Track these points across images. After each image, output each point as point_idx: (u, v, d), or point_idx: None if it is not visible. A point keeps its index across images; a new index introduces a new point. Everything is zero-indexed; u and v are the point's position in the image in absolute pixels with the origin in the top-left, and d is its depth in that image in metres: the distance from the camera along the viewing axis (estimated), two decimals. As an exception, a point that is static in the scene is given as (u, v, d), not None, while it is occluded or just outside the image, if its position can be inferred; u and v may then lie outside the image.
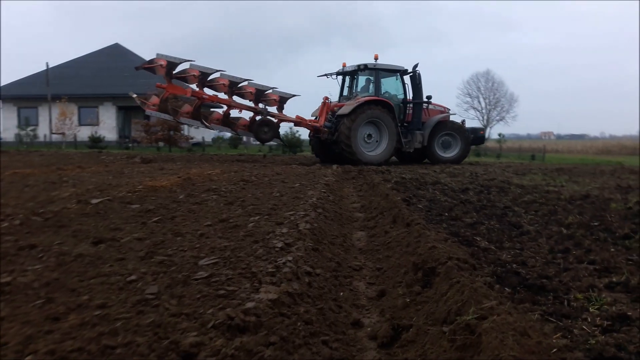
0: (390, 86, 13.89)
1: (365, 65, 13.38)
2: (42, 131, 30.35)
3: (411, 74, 13.54)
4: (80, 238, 3.12)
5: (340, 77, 14.24)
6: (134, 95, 14.70)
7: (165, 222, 3.75)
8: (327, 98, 13.54)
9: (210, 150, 25.67)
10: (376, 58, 13.42)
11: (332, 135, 12.97)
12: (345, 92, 14.09)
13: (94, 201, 4.52)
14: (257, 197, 5.23)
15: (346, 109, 12.65)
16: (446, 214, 4.41)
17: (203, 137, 33.83)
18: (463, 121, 14.99)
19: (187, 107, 13.85)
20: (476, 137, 15.12)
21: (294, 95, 13.69)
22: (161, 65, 13.19)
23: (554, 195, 5.95)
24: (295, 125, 14.44)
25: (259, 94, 13.07)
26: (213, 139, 42.71)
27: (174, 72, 13.29)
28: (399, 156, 14.52)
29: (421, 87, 13.45)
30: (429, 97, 13.61)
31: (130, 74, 33.31)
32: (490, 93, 53.39)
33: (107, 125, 32.76)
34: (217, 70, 12.88)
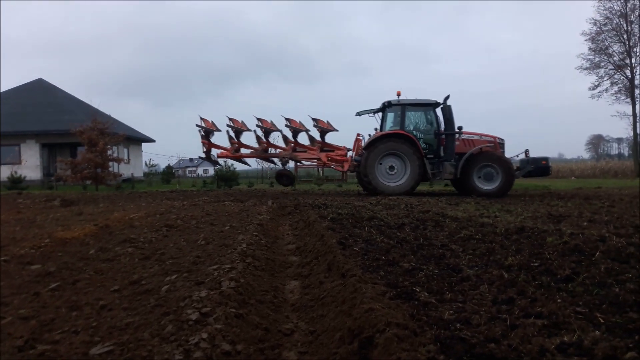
0: (419, 119, 14.43)
1: (390, 102, 14.46)
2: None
3: (442, 106, 13.83)
4: (-55, 323, 2.55)
5: (379, 114, 15.24)
6: None
7: (64, 290, 3.21)
8: (359, 134, 14.99)
9: (140, 186, 24.51)
10: (399, 94, 14.43)
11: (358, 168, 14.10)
12: (382, 128, 14.98)
13: (-15, 264, 3.89)
14: (179, 248, 4.74)
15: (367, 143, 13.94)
16: (383, 258, 4.15)
17: (132, 174, 32.40)
18: (526, 151, 14.89)
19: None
20: (537, 167, 14.10)
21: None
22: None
23: (489, 229, 5.88)
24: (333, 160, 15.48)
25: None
26: (145, 174, 41.14)
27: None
28: (457, 187, 14.90)
29: (452, 118, 13.71)
30: (459, 128, 13.75)
31: (54, 110, 31.63)
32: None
33: (30, 163, 30.67)
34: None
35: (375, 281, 3.32)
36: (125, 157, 32.25)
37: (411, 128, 14.30)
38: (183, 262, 4.00)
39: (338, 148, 15.47)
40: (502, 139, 14.47)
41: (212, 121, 15.81)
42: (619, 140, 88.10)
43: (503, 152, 14.42)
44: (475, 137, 14.22)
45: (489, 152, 13.86)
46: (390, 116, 14.65)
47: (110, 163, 23.31)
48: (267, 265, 4.49)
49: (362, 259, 4.12)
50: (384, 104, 14.82)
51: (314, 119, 14.91)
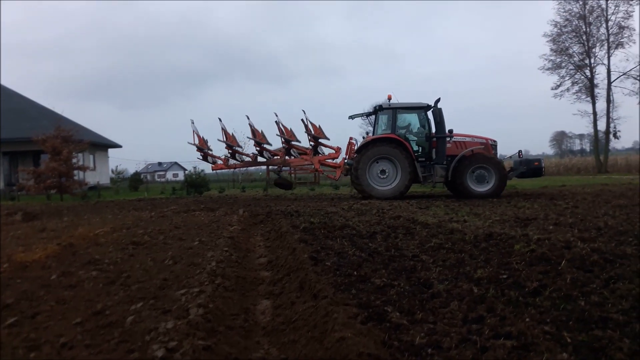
0: (410, 122, 14.51)
1: (380, 106, 14.48)
2: None
3: (432, 109, 13.84)
4: None
5: (372, 117, 15.36)
6: None
7: (23, 325, 3.06)
8: (352, 138, 15.11)
9: (107, 194, 23.92)
10: (389, 98, 14.43)
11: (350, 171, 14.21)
12: (374, 132, 15.04)
13: None
14: (145, 269, 4.61)
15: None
16: (355, 274, 4.13)
17: (98, 181, 31.62)
18: (519, 152, 14.96)
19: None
20: (530, 168, 14.16)
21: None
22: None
23: (458, 235, 5.95)
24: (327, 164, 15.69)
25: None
26: (112, 179, 40.18)
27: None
28: (451, 189, 14.92)
29: (442, 121, 13.68)
30: (450, 131, 13.79)
31: (16, 117, 30.54)
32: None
33: (-10, 173, 29.45)
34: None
35: (347, 302, 3.29)
36: (91, 165, 31.42)
37: (402, 131, 14.38)
38: (149, 287, 3.88)
39: (331, 148, 15.53)
40: (494, 140, 14.61)
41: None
42: (581, 137, 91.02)
43: (496, 153, 14.57)
44: (467, 139, 14.36)
45: (481, 153, 13.94)
46: (382, 119, 14.69)
47: (75, 171, 22.65)
48: (237, 285, 4.41)
49: (334, 275, 4.09)
50: (375, 107, 14.89)
51: (305, 124, 14.84)
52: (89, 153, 31.15)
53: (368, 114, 15.43)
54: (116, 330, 2.87)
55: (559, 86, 33.67)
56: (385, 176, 13.86)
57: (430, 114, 14.22)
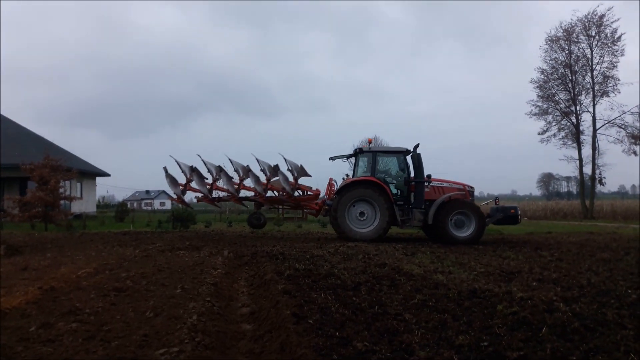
0: (389, 166, 14.73)
1: (361, 149, 14.81)
2: None
3: (411, 154, 14.06)
4: None
5: (353, 159, 15.41)
6: None
7: (-4, 388, 3.02)
8: (332, 179, 15.31)
9: (92, 225, 23.65)
10: (370, 142, 15.05)
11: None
12: (354, 174, 15.20)
13: None
14: (126, 322, 4.56)
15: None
16: (337, 334, 4.13)
17: (84, 211, 31.33)
18: (496, 199, 15.30)
19: None
20: (506, 216, 14.29)
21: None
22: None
23: (442, 291, 5.98)
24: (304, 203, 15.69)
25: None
26: (98, 205, 39.71)
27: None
28: (427, 233, 14.96)
29: (421, 166, 13.88)
30: (428, 176, 13.95)
31: (5, 143, 30.42)
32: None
33: (-24, 198, 29.06)
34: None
35: (327, 370, 3.29)
36: (78, 193, 31.18)
37: (382, 175, 14.58)
38: (129, 345, 3.84)
39: (310, 190, 15.59)
40: (471, 187, 14.82)
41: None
42: (568, 179, 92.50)
43: (473, 199, 14.77)
44: (445, 184, 14.53)
45: (460, 199, 14.14)
46: (362, 162, 14.90)
47: (62, 201, 22.43)
48: (217, 341, 4.37)
49: (316, 336, 4.08)
50: (355, 150, 15.15)
51: (288, 162, 14.92)
52: (76, 181, 30.96)
53: (348, 156, 15.53)
54: (92, 398, 2.83)
55: (545, 131, 34.41)
56: (364, 218, 13.95)
57: (409, 158, 14.47)
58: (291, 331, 4.17)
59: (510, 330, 4.23)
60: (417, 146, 14.24)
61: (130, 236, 16.04)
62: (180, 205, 16.46)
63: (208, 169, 15.24)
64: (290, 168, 14.90)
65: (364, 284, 6.54)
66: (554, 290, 6.07)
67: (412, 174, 14.25)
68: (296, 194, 15.44)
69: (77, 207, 29.42)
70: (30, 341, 3.96)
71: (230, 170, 15.30)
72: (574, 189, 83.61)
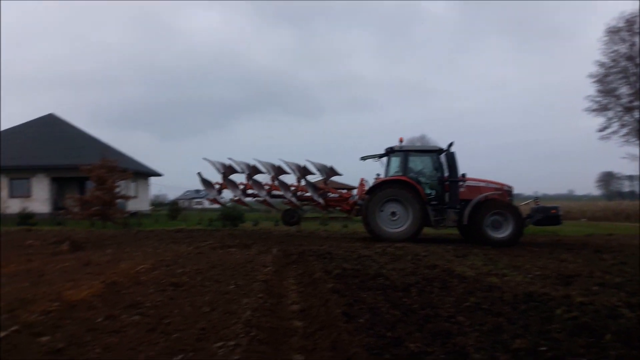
0: (422, 165, 14.57)
1: (392, 149, 14.58)
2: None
3: (445, 153, 13.92)
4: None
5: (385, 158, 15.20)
6: None
7: (70, 374, 3.22)
8: (363, 179, 15.17)
9: (147, 222, 24.60)
10: (401, 141, 14.60)
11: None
12: (386, 173, 14.99)
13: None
14: (185, 316, 4.74)
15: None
16: (389, 335, 4.13)
17: (139, 209, 32.62)
18: (536, 199, 14.93)
19: None
20: (547, 216, 13.87)
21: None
22: None
23: (497, 294, 5.84)
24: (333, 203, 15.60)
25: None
26: (152, 204, 41.27)
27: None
28: (463, 234, 14.81)
29: (455, 165, 13.70)
30: (462, 175, 13.80)
31: (65, 145, 32.17)
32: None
33: (40, 197, 31.00)
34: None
35: (381, 369, 3.30)
36: (133, 192, 32.49)
37: (414, 174, 14.41)
38: (188, 338, 4.00)
39: (342, 190, 15.51)
40: (510, 187, 14.41)
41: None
42: (631, 178, 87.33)
43: (511, 199, 14.35)
44: (482, 184, 14.20)
45: (497, 199, 13.79)
46: (394, 162, 14.78)
47: (118, 200, 23.47)
48: (270, 336, 4.46)
49: (367, 336, 4.09)
50: (387, 149, 14.98)
51: (315, 165, 14.89)
52: (131, 181, 32.28)
53: (380, 156, 15.31)
54: (157, 387, 2.97)
55: (605, 128, 32.75)
56: (395, 218, 13.80)
57: (443, 157, 14.18)
58: (342, 330, 4.21)
59: (570, 336, 4.09)
60: (451, 144, 13.98)
61: (183, 234, 16.60)
62: (235, 204, 16.67)
63: (241, 169, 15.37)
64: (318, 169, 14.81)
65: (414, 285, 6.48)
66: (617, 296, 5.80)
67: (446, 173, 13.99)
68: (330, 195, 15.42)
69: (132, 206, 30.68)
70: (97, 331, 4.19)
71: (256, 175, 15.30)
72: (637, 188, 78.95)
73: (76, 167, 24.83)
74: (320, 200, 14.91)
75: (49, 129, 34.59)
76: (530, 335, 4.11)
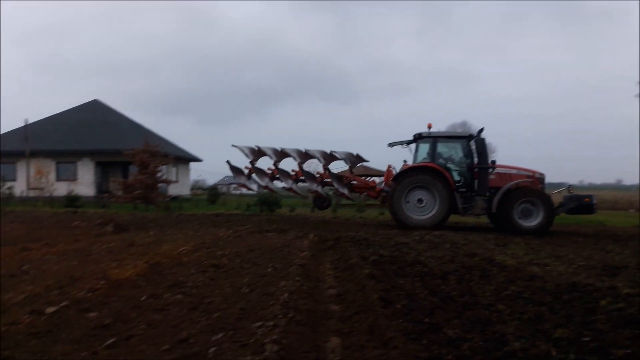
0: (451, 152, 14.40)
1: (420, 135, 14.34)
2: (20, 187, 29.77)
3: (475, 139, 13.76)
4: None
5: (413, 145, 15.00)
6: None
7: (120, 347, 3.37)
8: (390, 166, 14.96)
9: (187, 206, 25.22)
10: (429, 127, 14.28)
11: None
12: (414, 160, 14.81)
13: (49, 310, 4.14)
14: (225, 296, 4.87)
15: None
16: (426, 321, 4.12)
17: (180, 193, 33.48)
18: (569, 187, 14.67)
19: None
20: (580, 205, 13.42)
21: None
22: None
23: (538, 283, 5.72)
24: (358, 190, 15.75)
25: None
26: (192, 189, 42.30)
27: None
28: (493, 221, 14.53)
29: (485, 151, 13.57)
30: (492, 162, 13.67)
31: (109, 130, 33.27)
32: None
33: (85, 180, 32.27)
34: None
35: (418, 354, 3.30)
36: (174, 177, 33.37)
37: (443, 161, 14.22)
38: (228, 317, 4.11)
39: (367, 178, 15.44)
40: (542, 174, 14.05)
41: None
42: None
43: (543, 187, 13.99)
44: (513, 171, 13.92)
45: (528, 187, 13.45)
46: (422, 148, 14.55)
47: (160, 184, 24.18)
48: (308, 318, 4.53)
49: (404, 321, 4.10)
50: (415, 135, 14.78)
51: (338, 154, 14.92)
52: (172, 166, 33.14)
53: (408, 142, 15.10)
54: (200, 362, 3.08)
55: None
56: (422, 205, 13.65)
57: (472, 143, 13.90)
58: (379, 314, 4.22)
59: (615, 327, 3.97)
60: (481, 131, 13.70)
61: (222, 218, 16.97)
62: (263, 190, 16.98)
63: (269, 155, 15.42)
64: (343, 158, 14.81)
65: (452, 272, 6.42)
66: (666, 288, 5.57)
67: (476, 160, 13.71)
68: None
69: (173, 190, 31.54)
70: (142, 309, 4.37)
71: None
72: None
73: (120, 151, 25.72)
74: (344, 191, 14.91)
75: (94, 114, 35.85)
76: (573, 325, 4.02)
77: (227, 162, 16.02)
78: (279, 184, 16.20)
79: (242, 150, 15.62)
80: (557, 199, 14.37)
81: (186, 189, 39.62)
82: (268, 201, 21.89)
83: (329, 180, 15.10)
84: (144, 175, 22.64)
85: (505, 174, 13.75)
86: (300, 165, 15.24)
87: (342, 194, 15.17)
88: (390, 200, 13.79)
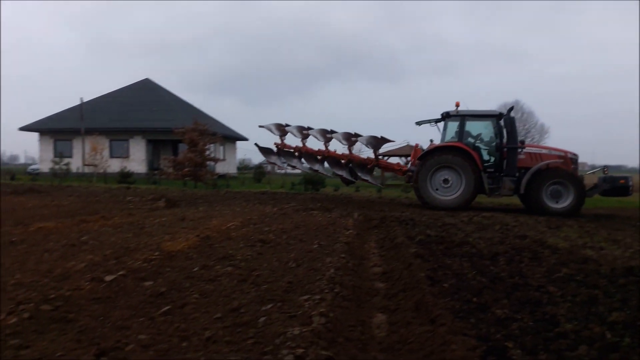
0: (480, 131, 14.10)
1: (448, 113, 14.00)
2: (76, 163, 31.29)
3: (504, 117, 13.49)
4: (84, 345, 2.93)
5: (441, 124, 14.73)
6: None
7: (174, 314, 3.54)
8: (417, 145, 14.75)
9: (234, 185, 25.78)
10: (457, 105, 13.92)
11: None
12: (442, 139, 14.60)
13: (108, 278, 4.38)
14: (272, 270, 5.00)
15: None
16: (474, 300, 4.08)
17: (227, 171, 34.20)
18: (604, 168, 14.27)
19: None
20: (614, 187, 13.04)
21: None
22: None
23: (592, 266, 5.53)
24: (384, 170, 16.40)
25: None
26: (238, 168, 43.15)
27: None
28: (524, 202, 14.25)
29: (515, 131, 13.30)
30: (521, 142, 13.41)
31: (159, 109, 34.27)
32: (520, 124, 52.67)
33: (137, 158, 33.46)
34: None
35: (466, 331, 3.29)
36: (222, 156, 34.10)
37: (471, 140, 13.87)
38: (276, 289, 4.22)
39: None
40: (574, 154, 13.58)
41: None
42: None
43: (576, 168, 13.52)
44: (544, 151, 13.52)
45: (558, 167, 13.02)
46: (450, 127, 14.17)
47: (208, 162, 24.80)
48: (353, 294, 4.59)
49: (452, 300, 4.08)
50: (442, 114, 14.38)
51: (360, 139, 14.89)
52: (219, 145, 33.85)
53: (437, 121, 14.64)
54: (251, 330, 3.20)
55: None
56: (448, 185, 13.36)
57: (502, 122, 13.48)
58: (426, 292, 4.22)
59: (675, 314, 3.80)
60: (511, 109, 13.33)
61: (268, 196, 17.26)
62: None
63: (294, 133, 15.62)
64: (365, 144, 14.72)
65: (502, 254, 6.29)
66: None
67: (505, 140, 13.30)
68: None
69: (220, 168, 32.27)
70: (194, 279, 4.55)
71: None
72: None
73: (170, 130, 26.48)
74: (368, 178, 15.03)
75: (146, 93, 36.97)
76: (628, 309, 3.87)
77: (256, 144, 16.50)
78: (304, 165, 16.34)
79: (269, 130, 16.02)
80: (592, 180, 13.90)
81: (233, 168, 40.44)
82: (313, 180, 22.04)
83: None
84: (194, 153, 23.26)
85: (535, 153, 13.40)
86: (325, 146, 15.28)
87: (366, 181, 15.38)
88: (416, 179, 13.62)
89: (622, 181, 13.12)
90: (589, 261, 5.86)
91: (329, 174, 16.71)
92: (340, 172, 15.34)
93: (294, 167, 16.75)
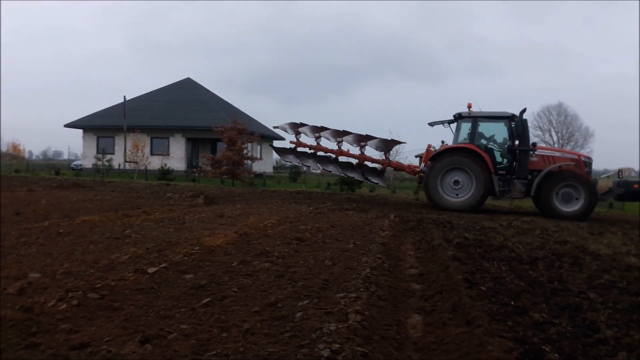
0: (493, 132, 14.02)
1: (460, 114, 13.98)
2: (118, 160, 32.29)
3: (516, 120, 13.38)
4: (129, 332, 3.09)
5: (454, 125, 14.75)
6: None
7: (214, 306, 3.67)
8: (430, 146, 14.52)
9: (270, 183, 26.08)
10: (469, 106, 13.90)
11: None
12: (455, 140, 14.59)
13: (151, 270, 4.57)
14: (308, 267, 5.08)
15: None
16: (512, 304, 4.04)
17: (264, 170, 34.62)
18: (619, 172, 14.03)
19: None
20: (629, 191, 12.74)
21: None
22: None
23: (636, 274, 5.36)
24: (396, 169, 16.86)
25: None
26: (275, 167, 43.64)
27: None
28: (537, 205, 14.10)
29: (526, 133, 13.19)
30: (533, 145, 13.28)
31: (199, 108, 35.04)
32: (563, 127, 51.03)
33: (177, 155, 34.25)
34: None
35: (503, 334, 3.27)
36: (259, 155, 34.57)
37: (483, 142, 13.68)
38: (313, 286, 4.29)
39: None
40: (588, 157, 13.38)
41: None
42: None
43: (589, 172, 13.18)
44: (557, 153, 13.32)
45: (571, 170, 12.75)
46: (463, 128, 13.99)
47: (246, 160, 25.21)
48: (389, 294, 4.62)
49: (489, 302, 4.05)
50: (455, 115, 14.27)
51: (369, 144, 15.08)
52: (257, 143, 34.33)
53: (449, 122, 14.54)
54: (288, 324, 3.28)
55: None
56: (458, 187, 13.19)
57: (514, 124, 13.27)
58: (463, 294, 4.20)
59: None
60: (523, 111, 12.99)
61: (304, 195, 17.42)
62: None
63: (306, 133, 15.87)
64: (372, 147, 14.83)
65: (541, 259, 6.18)
66: None
67: (517, 142, 13.10)
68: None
69: (257, 167, 32.73)
70: (233, 273, 4.68)
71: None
72: None
73: (210, 128, 27.05)
74: (379, 182, 15.36)
75: (186, 92, 37.86)
76: (675, 320, 3.75)
77: (271, 145, 16.99)
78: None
79: (284, 130, 16.45)
80: (607, 184, 13.55)
81: (270, 167, 40.91)
82: (348, 181, 22.04)
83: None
84: (232, 151, 23.68)
85: (548, 156, 13.17)
86: (338, 145, 15.49)
87: (377, 184, 15.77)
88: (426, 180, 13.56)
89: (636, 185, 12.80)
90: (632, 269, 5.68)
91: (340, 174, 16.92)
92: (352, 174, 15.76)
93: (308, 167, 17.13)
